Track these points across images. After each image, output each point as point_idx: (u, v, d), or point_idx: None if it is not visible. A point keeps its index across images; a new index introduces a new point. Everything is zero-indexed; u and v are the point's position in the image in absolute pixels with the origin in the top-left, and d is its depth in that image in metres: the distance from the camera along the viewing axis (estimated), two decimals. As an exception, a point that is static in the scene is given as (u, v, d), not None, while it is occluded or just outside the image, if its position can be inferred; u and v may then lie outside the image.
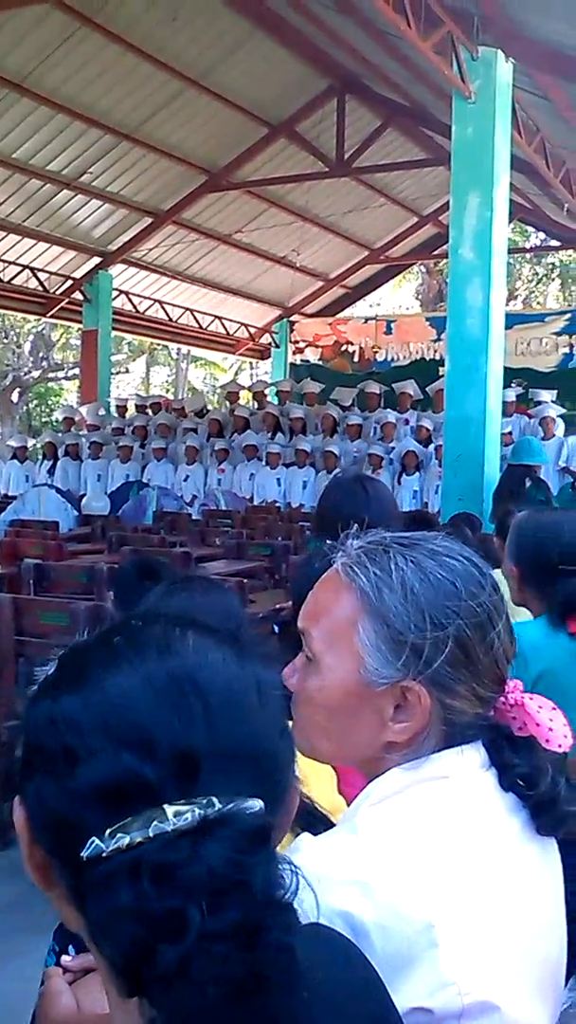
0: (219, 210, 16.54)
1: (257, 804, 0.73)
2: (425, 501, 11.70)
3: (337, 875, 1.03)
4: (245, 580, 6.67)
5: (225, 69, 13.01)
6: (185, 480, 13.66)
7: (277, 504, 12.78)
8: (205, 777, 0.72)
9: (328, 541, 2.52)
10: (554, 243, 19.95)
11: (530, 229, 21.57)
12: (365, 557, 1.18)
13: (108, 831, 0.70)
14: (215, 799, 0.71)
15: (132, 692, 0.75)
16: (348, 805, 1.80)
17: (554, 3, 8.00)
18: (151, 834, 0.69)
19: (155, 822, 0.69)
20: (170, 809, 0.70)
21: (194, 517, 11.95)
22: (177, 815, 0.70)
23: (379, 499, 2.80)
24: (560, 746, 1.12)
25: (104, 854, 0.69)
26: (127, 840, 0.69)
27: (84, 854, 0.70)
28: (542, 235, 20.38)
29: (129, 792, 0.71)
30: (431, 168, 15.37)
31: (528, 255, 24.89)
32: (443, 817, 1.09)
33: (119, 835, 0.69)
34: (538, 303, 26.51)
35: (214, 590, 1.93)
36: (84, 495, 13.80)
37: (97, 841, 0.70)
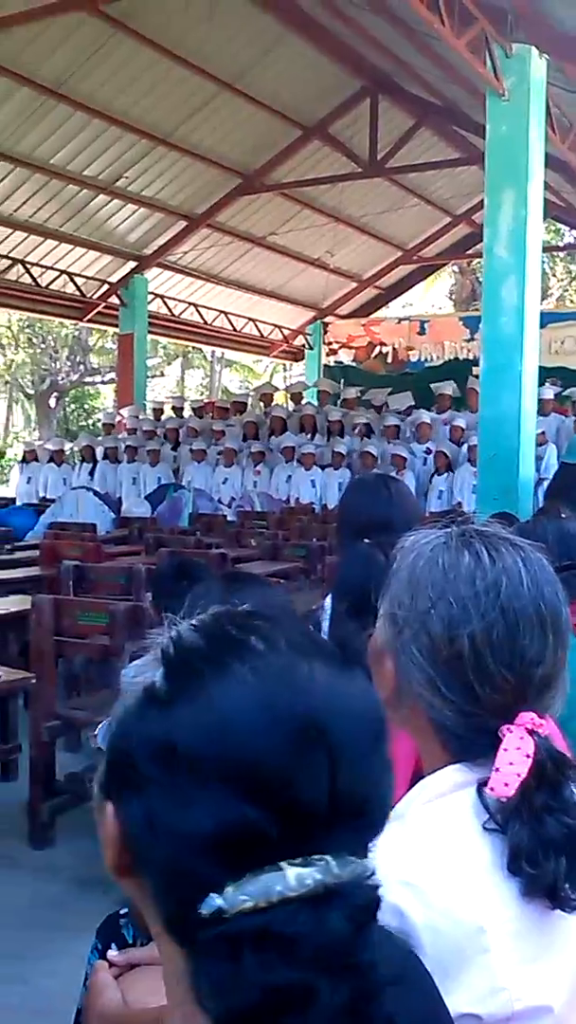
0: (253, 213, 16.57)
1: (370, 868, 0.71)
2: (459, 500, 11.67)
3: (388, 874, 1.02)
4: (281, 581, 6.69)
5: (258, 72, 13.03)
6: (224, 482, 13.69)
7: (313, 505, 12.77)
8: (320, 834, 0.70)
9: (366, 540, 2.53)
10: (588, 241, 19.81)
11: (564, 227, 21.40)
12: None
13: (228, 889, 0.67)
14: (331, 861, 0.68)
15: (259, 732, 0.70)
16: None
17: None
18: (274, 899, 0.67)
19: (278, 885, 0.67)
20: (291, 871, 0.67)
21: (229, 519, 11.98)
22: (299, 880, 0.67)
23: (402, 499, 2.79)
24: (492, 790, 1.04)
25: (226, 915, 0.67)
26: (251, 903, 0.67)
27: (204, 911, 0.68)
28: (576, 233, 20.24)
29: (247, 846, 0.68)
30: (464, 167, 15.30)
31: (562, 253, 24.71)
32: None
33: (241, 896, 0.67)
34: (572, 301, 26.31)
35: (266, 588, 1.93)
36: (120, 497, 13.88)
37: (218, 900, 0.67)
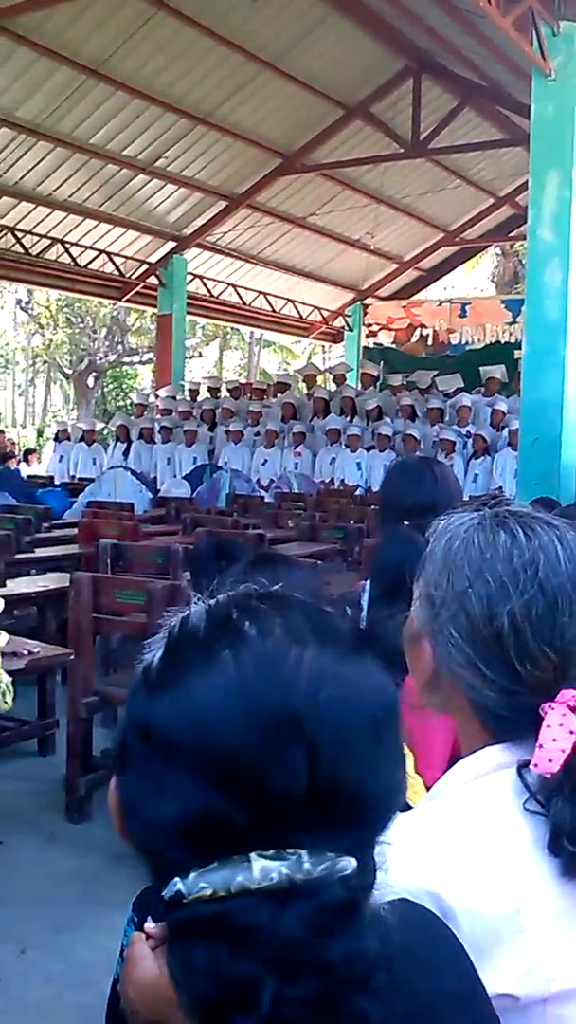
0: (293, 193, 16.52)
1: (350, 865, 0.69)
2: (500, 485, 11.59)
3: (426, 855, 1.03)
4: (318, 562, 6.70)
5: (300, 51, 12.95)
6: (264, 464, 13.70)
7: (359, 487, 12.75)
8: (298, 828, 0.69)
9: (405, 523, 2.52)
10: None
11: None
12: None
13: (192, 874, 0.68)
14: (305, 857, 0.68)
15: (231, 723, 0.70)
16: (425, 785, 1.81)
17: None
18: (233, 889, 0.67)
19: (239, 876, 0.67)
20: (257, 863, 0.67)
21: (267, 500, 12.00)
22: (263, 873, 0.67)
23: (446, 482, 2.78)
24: (536, 766, 1.03)
25: (185, 900, 0.68)
26: (209, 891, 0.67)
27: (165, 894, 0.69)
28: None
29: (215, 834, 0.68)
30: (508, 148, 15.13)
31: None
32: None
33: (201, 883, 0.68)
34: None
35: (295, 569, 1.93)
36: (155, 477, 13.94)
37: (179, 884, 0.68)
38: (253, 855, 0.68)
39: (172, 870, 0.69)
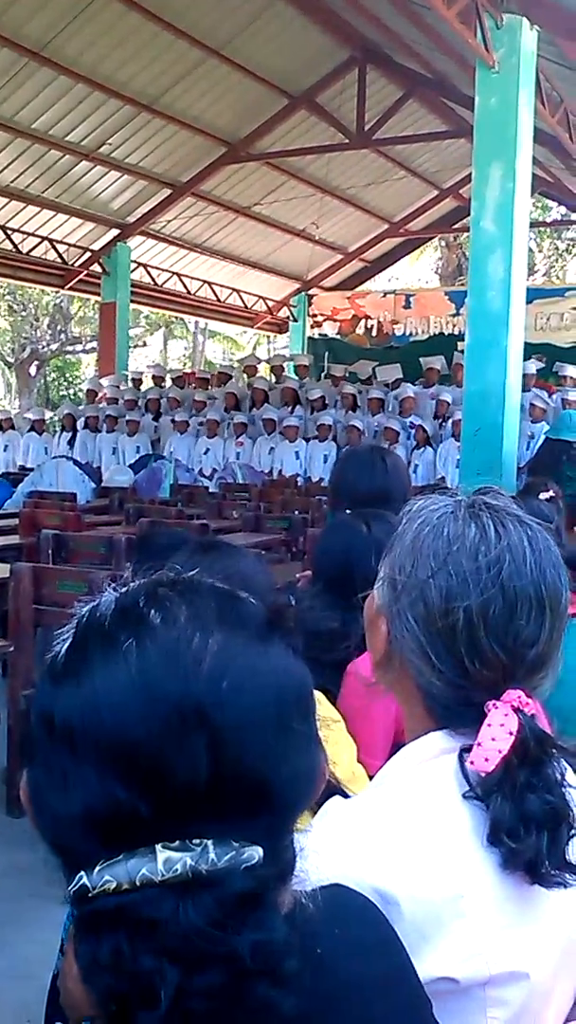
0: (238, 182, 16.46)
1: (255, 855, 0.69)
2: (442, 475, 11.70)
3: (369, 844, 1.03)
4: (263, 552, 6.69)
5: (245, 39, 12.90)
6: (205, 453, 13.68)
7: (298, 477, 12.78)
8: (203, 815, 0.69)
9: (347, 511, 2.51)
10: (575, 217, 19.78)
11: (551, 203, 21.35)
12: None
13: (96, 868, 0.68)
14: (211, 847, 0.68)
15: (131, 714, 0.70)
16: (368, 774, 1.81)
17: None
18: (137, 882, 0.67)
19: (144, 868, 0.67)
20: (161, 855, 0.67)
21: (211, 490, 11.97)
22: (167, 865, 0.67)
23: (397, 471, 2.80)
24: (472, 763, 1.04)
25: (90, 894, 0.68)
26: (113, 884, 0.67)
27: (71, 888, 0.69)
28: (563, 209, 20.17)
29: (121, 825, 0.68)
30: (452, 140, 15.23)
31: (549, 229, 24.66)
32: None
33: (105, 876, 0.68)
34: (558, 277, 26.30)
35: (240, 555, 1.91)
36: (100, 467, 13.85)
37: (84, 878, 0.68)
38: (159, 847, 0.68)
39: (80, 863, 0.69)
